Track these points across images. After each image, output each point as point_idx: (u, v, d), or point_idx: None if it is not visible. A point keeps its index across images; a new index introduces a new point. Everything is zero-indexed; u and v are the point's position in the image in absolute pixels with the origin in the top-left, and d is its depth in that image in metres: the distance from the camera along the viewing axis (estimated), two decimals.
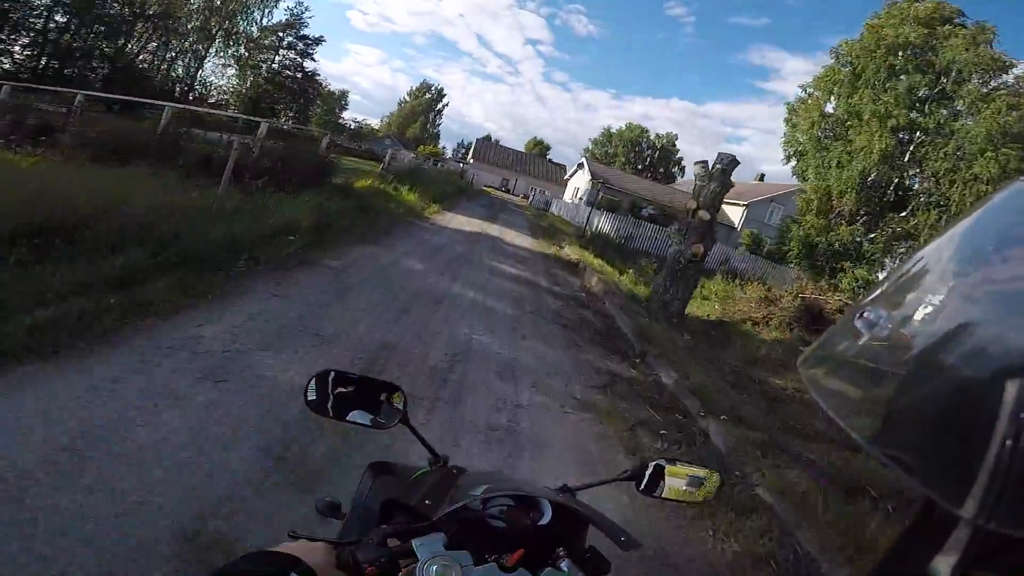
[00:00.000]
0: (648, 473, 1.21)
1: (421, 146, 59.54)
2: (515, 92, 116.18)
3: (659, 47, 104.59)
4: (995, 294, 0.37)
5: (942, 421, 0.36)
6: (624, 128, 68.73)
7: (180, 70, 36.54)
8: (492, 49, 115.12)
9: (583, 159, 41.35)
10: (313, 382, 1.14)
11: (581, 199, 34.20)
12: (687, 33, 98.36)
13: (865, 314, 0.44)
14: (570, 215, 30.77)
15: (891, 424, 0.39)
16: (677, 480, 1.21)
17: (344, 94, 54.73)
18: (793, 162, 24.13)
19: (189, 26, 34.20)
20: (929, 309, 0.40)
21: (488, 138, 64.01)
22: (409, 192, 17.96)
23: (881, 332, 0.42)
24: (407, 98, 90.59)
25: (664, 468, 1.21)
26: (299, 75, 41.39)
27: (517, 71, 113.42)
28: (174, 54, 35.32)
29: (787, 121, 24.32)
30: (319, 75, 47.41)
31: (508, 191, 61.76)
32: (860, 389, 0.44)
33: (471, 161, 63.13)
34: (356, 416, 1.13)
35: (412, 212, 16.00)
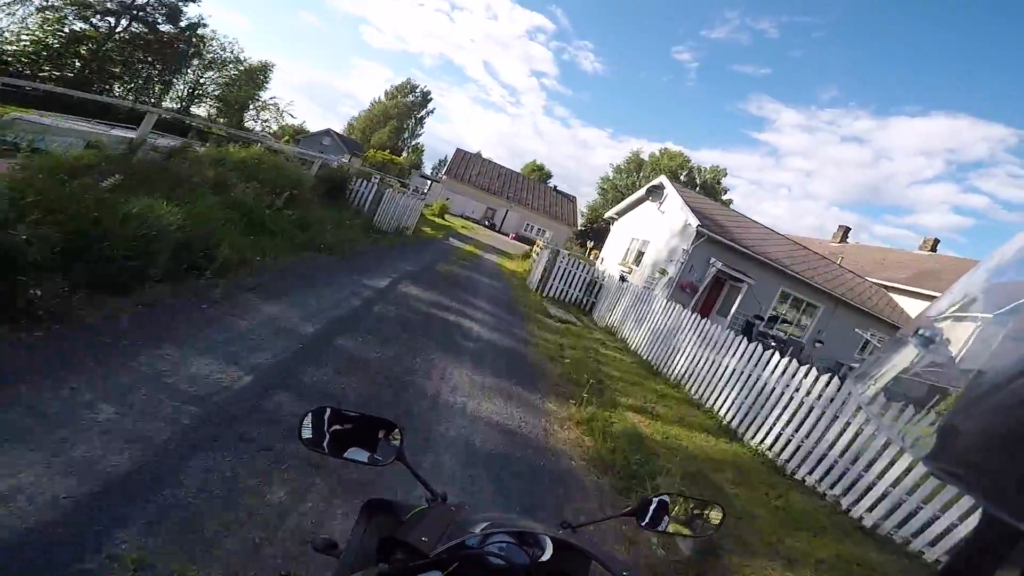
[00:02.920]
0: (652, 508, 1.22)
1: (372, 150, 40.96)
2: (515, 123, 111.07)
3: (661, 90, 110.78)
4: None
5: (1002, 437, 0.36)
6: (659, 155, 51.65)
7: None
8: (497, 78, 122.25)
9: (662, 182, 17.84)
10: (309, 419, 1.14)
11: (698, 288, 14.34)
12: (690, 78, 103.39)
13: (921, 331, 0.44)
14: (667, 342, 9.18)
15: (948, 440, 0.39)
16: (681, 515, 1.24)
17: (265, 67, 35.84)
18: None
19: None
20: (986, 326, 0.40)
21: (479, 155, 46.46)
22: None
23: (938, 350, 0.42)
24: (382, 98, 72.82)
25: (667, 503, 1.23)
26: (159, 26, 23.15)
27: (519, 102, 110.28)
28: None
29: None
30: (201, 27, 29.02)
31: (493, 227, 43.07)
32: (914, 406, 0.44)
33: (443, 178, 44.73)
34: (353, 453, 1.14)
35: None
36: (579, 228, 47.18)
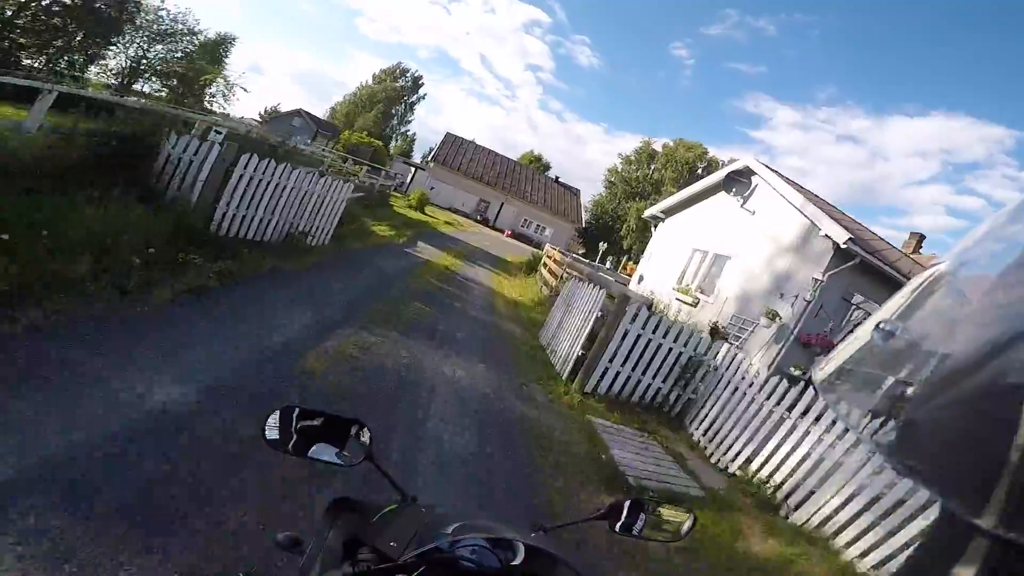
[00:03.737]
0: (625, 511, 1.22)
1: (347, 131, 34.86)
2: (509, 116, 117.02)
3: (657, 86, 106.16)
4: (1015, 303, 0.37)
5: (960, 431, 0.36)
6: (674, 145, 45.66)
7: None
8: (493, 71, 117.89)
9: (749, 166, 10.86)
10: (276, 419, 1.08)
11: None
12: (686, 75, 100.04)
13: (882, 325, 0.44)
14: None
15: (907, 434, 0.39)
16: (653, 518, 1.24)
17: (226, 39, 29.40)
18: None
19: None
20: (947, 320, 0.41)
21: (472, 143, 40.12)
22: None
23: (898, 343, 0.43)
24: (369, 81, 66.28)
25: (643, 505, 1.23)
26: None
27: (514, 95, 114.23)
28: None
29: None
30: None
31: (486, 222, 37.13)
32: (875, 400, 0.44)
33: (429, 165, 38.75)
34: (319, 452, 1.09)
35: None
36: (583, 225, 41.39)
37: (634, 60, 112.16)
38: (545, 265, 15.62)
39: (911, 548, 0.46)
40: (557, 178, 44.91)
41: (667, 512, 1.26)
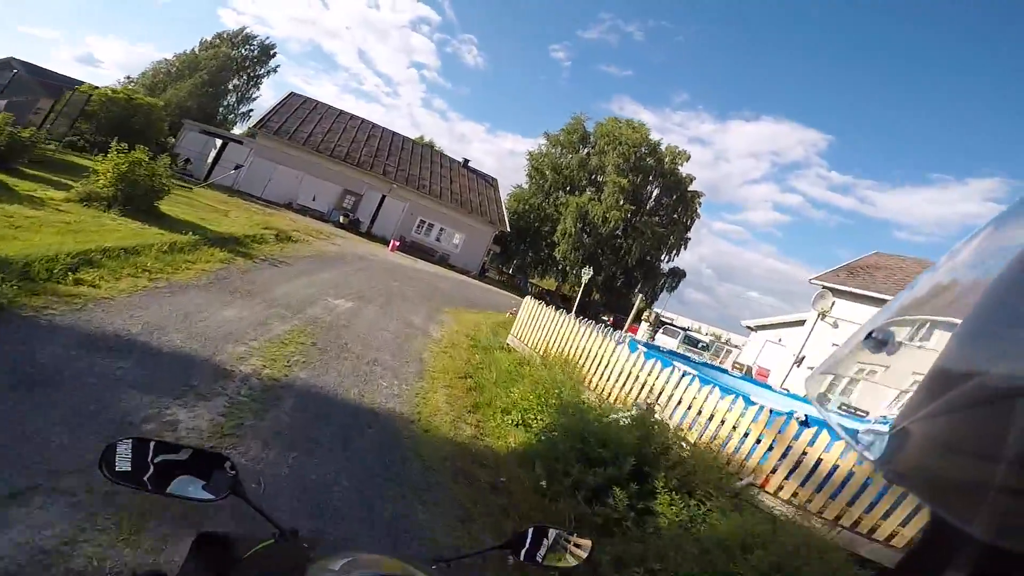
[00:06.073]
0: (528, 539, 1.24)
1: (89, 86, 18.47)
2: (390, 113, 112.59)
3: (537, 87, 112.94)
4: (1003, 313, 0.37)
5: (950, 439, 0.36)
6: (617, 122, 34.51)
7: None
8: (373, 67, 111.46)
9: None
10: (126, 449, 0.95)
11: None
12: (563, 76, 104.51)
13: (873, 334, 0.44)
14: None
15: (899, 443, 0.39)
16: (556, 544, 1.26)
17: None
18: None
19: None
20: (937, 329, 0.41)
21: (331, 108, 25.00)
22: None
23: (889, 352, 0.43)
24: (196, 49, 47.03)
25: (546, 531, 1.26)
26: None
27: (396, 92, 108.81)
28: None
29: None
30: None
31: (356, 226, 23.21)
32: (867, 409, 0.45)
33: (250, 139, 23.54)
34: (180, 487, 0.98)
35: None
36: (506, 228, 28.55)
37: (517, 61, 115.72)
38: None
39: (902, 556, 0.45)
40: (467, 161, 31.54)
41: (568, 538, 1.27)
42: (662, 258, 35.97)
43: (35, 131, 10.51)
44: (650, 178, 34.74)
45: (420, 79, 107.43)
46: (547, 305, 8.67)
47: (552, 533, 1.26)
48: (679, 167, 35.77)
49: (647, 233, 32.71)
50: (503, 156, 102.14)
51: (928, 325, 0.42)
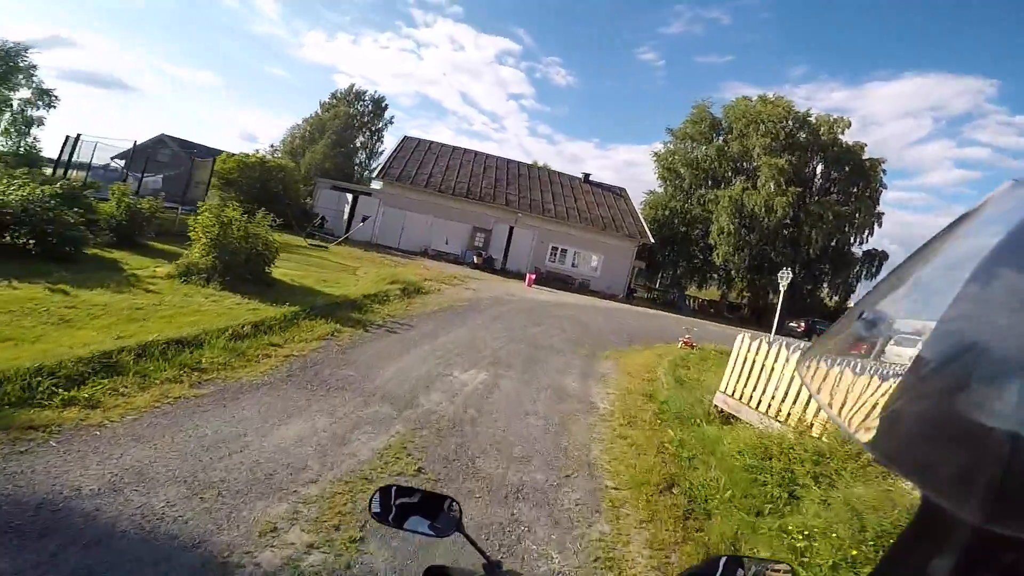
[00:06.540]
0: (720, 570, 1.12)
1: (226, 155, 19.86)
2: (502, 148, 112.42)
3: (635, 93, 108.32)
4: (997, 296, 0.37)
5: (943, 423, 0.36)
6: (748, 100, 29.75)
7: None
8: (477, 107, 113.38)
9: None
10: (377, 496, 1.21)
11: None
12: (660, 76, 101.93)
13: (865, 315, 0.44)
14: None
15: (890, 425, 0.39)
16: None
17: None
18: None
19: None
20: (930, 311, 0.41)
21: (449, 147, 24.91)
22: None
23: (881, 333, 0.43)
24: (318, 111, 52.56)
25: (740, 559, 1.14)
26: None
27: (502, 127, 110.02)
28: None
29: None
30: None
31: (490, 264, 21.84)
32: (858, 389, 0.45)
33: (377, 188, 23.62)
34: (413, 524, 1.19)
35: None
36: (649, 239, 25.28)
37: (606, 71, 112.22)
38: None
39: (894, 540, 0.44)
40: (587, 176, 29.11)
41: (767, 565, 1.16)
42: (851, 242, 29.61)
43: (155, 201, 10.33)
44: (808, 154, 29.05)
45: (520, 109, 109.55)
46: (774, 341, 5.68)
47: (748, 563, 1.11)
48: (839, 136, 29.45)
49: (826, 215, 27.01)
50: (620, 168, 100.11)
51: (920, 308, 0.42)
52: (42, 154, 20.80)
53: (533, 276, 20.06)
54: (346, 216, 21.94)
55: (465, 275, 17.25)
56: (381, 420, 4.20)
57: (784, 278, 12.22)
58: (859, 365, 0.46)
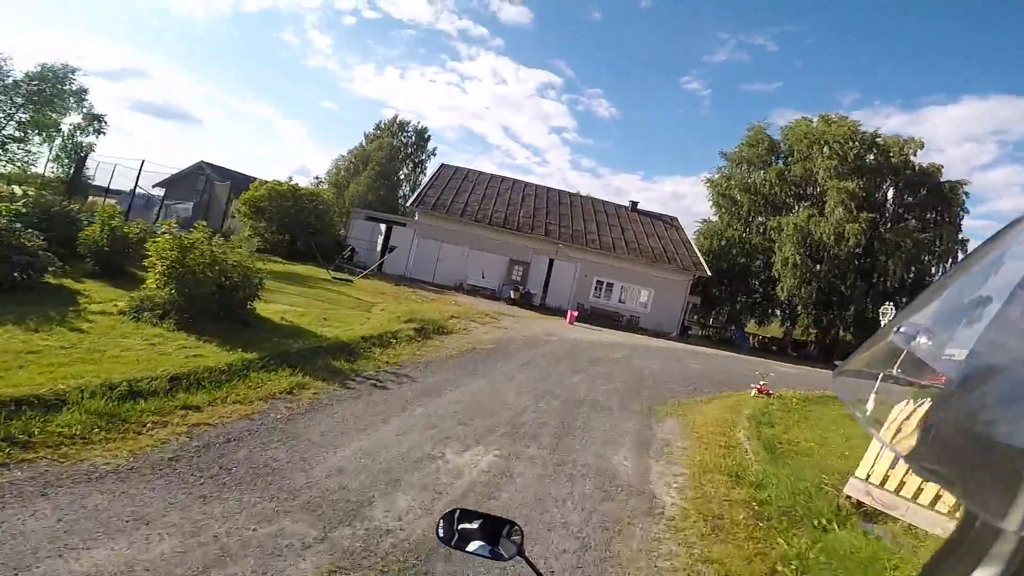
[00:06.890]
0: None
1: (258, 183, 19.25)
2: (545, 182, 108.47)
3: (680, 123, 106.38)
4: None
5: (980, 434, 0.36)
6: (808, 121, 27.20)
7: None
8: (519, 140, 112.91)
9: None
10: (442, 522, 1.25)
11: None
12: (705, 106, 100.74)
13: (903, 328, 0.43)
14: None
15: (929, 438, 0.39)
16: None
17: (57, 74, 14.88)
18: None
19: None
20: (968, 325, 0.41)
21: (486, 175, 23.59)
22: None
23: (919, 347, 0.42)
24: (363, 143, 53.21)
25: None
26: None
27: (545, 160, 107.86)
28: None
29: None
30: None
31: (528, 299, 20.02)
32: (896, 403, 0.56)
33: (414, 220, 22.40)
34: (475, 548, 1.20)
35: None
36: (705, 272, 22.88)
37: (650, 103, 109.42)
38: None
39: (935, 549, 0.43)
40: (635, 204, 27.18)
41: None
42: (932, 272, 26.14)
43: (144, 226, 9.16)
44: (879, 177, 26.26)
45: (562, 143, 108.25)
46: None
47: None
48: (911, 157, 26.40)
49: (904, 243, 23.89)
50: (667, 200, 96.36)
51: (958, 321, 0.41)
52: (91, 182, 20.84)
53: (575, 313, 18.11)
54: (379, 247, 20.85)
55: (499, 312, 15.53)
56: (280, 550, 2.45)
57: (886, 314, 9.91)
58: (895, 379, 0.44)
